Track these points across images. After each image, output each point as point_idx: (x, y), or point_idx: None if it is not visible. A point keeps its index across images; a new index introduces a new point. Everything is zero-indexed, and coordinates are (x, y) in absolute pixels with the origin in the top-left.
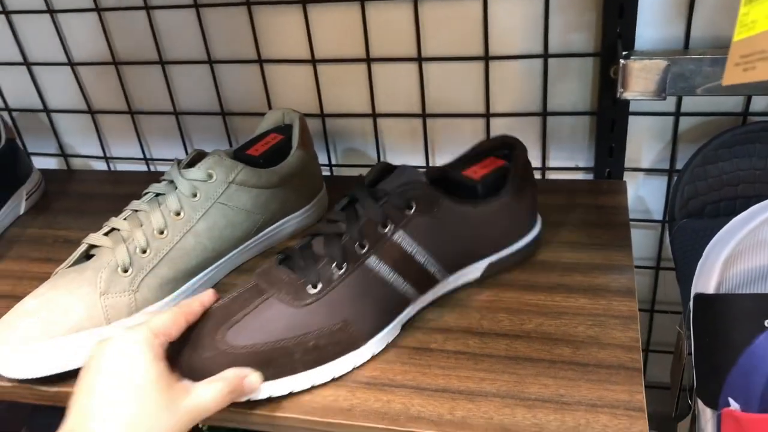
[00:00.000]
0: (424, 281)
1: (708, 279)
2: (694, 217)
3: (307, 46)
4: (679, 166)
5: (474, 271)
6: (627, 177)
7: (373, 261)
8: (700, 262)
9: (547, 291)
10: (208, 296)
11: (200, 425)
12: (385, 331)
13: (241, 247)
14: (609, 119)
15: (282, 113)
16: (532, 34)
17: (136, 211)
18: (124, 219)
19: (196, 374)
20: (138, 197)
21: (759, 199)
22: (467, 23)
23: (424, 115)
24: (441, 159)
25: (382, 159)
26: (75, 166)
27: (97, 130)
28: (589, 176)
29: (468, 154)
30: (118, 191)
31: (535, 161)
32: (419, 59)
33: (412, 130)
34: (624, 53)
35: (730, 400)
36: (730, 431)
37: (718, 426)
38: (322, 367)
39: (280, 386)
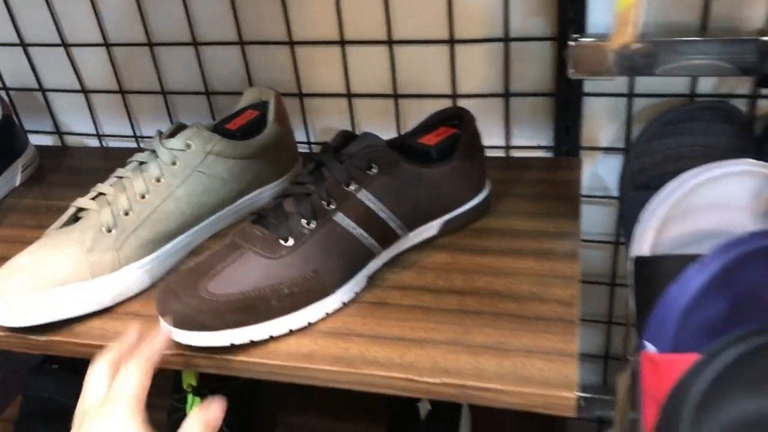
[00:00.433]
0: (386, 236)
1: (643, 242)
2: (641, 189)
3: (285, 29)
4: None
5: (431, 228)
6: (586, 155)
7: (339, 217)
8: (637, 226)
9: (499, 254)
10: (163, 337)
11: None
12: (353, 281)
13: (218, 214)
14: (565, 100)
15: (259, 91)
16: (495, 19)
17: (121, 177)
18: (110, 185)
19: (182, 321)
20: None
21: None
22: (434, 8)
23: (395, 96)
24: None
25: None
26: (69, 144)
27: (90, 109)
28: (549, 155)
29: (423, 124)
30: (108, 165)
31: (499, 140)
32: (389, 42)
33: (384, 109)
34: (574, 36)
35: (647, 344)
36: (648, 373)
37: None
38: (298, 313)
39: (260, 331)
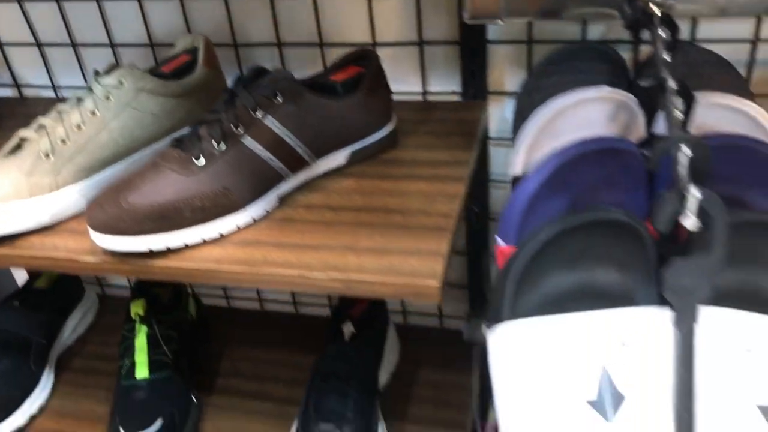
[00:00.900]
0: (294, 162)
1: (517, 163)
2: None
3: None
4: None
5: (339, 157)
6: (494, 100)
7: (248, 141)
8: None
9: (398, 179)
10: None
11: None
12: (264, 200)
13: (151, 147)
14: (469, 47)
15: (192, 38)
16: None
17: (60, 112)
18: (50, 118)
19: (105, 227)
20: None
21: None
22: None
23: (321, 45)
24: None
25: None
26: (27, 95)
27: (45, 63)
28: (460, 99)
29: (334, 64)
30: None
31: (417, 87)
32: None
33: (312, 57)
34: None
35: (498, 239)
36: (500, 264)
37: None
38: (210, 224)
39: (176, 238)
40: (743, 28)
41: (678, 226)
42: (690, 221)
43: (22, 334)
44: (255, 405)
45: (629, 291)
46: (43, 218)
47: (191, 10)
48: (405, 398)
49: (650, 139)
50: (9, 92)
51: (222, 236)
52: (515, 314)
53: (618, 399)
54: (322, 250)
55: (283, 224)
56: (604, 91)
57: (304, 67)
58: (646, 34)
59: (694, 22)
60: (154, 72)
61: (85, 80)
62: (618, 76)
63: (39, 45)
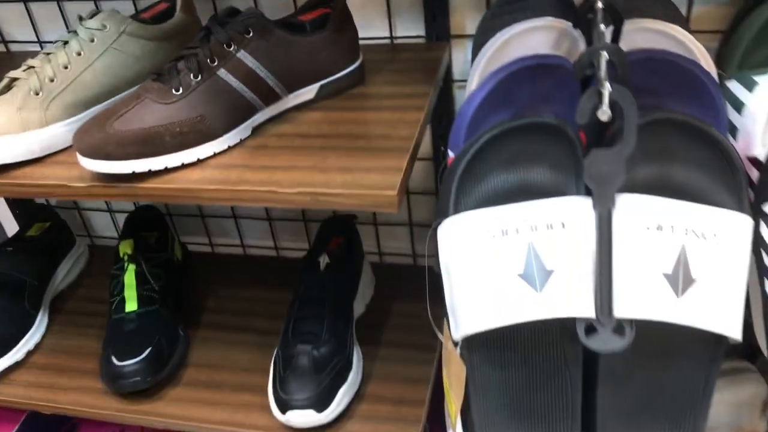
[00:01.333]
0: (267, 94)
1: (470, 91)
2: None
3: None
4: None
5: (309, 91)
6: (456, 43)
7: (222, 73)
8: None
9: (364, 110)
10: None
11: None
12: (239, 129)
13: (133, 88)
14: None
15: None
16: None
17: (48, 54)
18: (38, 59)
19: (92, 151)
20: None
21: None
22: None
23: None
24: None
25: None
26: (13, 51)
27: (31, 19)
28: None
29: (303, 6)
30: None
31: (384, 32)
32: None
33: (285, 5)
34: None
35: (449, 152)
36: None
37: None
38: (189, 150)
39: (157, 162)
40: None
41: (604, 128)
42: (605, 114)
43: (17, 276)
44: (239, 336)
45: (560, 188)
46: (34, 150)
47: None
48: (379, 326)
49: None
50: None
51: (200, 161)
52: (458, 211)
53: (545, 273)
54: (291, 170)
55: (256, 150)
56: (548, 21)
57: (277, 13)
58: None
59: None
60: (135, 18)
61: None
62: (565, 12)
63: (24, 0)
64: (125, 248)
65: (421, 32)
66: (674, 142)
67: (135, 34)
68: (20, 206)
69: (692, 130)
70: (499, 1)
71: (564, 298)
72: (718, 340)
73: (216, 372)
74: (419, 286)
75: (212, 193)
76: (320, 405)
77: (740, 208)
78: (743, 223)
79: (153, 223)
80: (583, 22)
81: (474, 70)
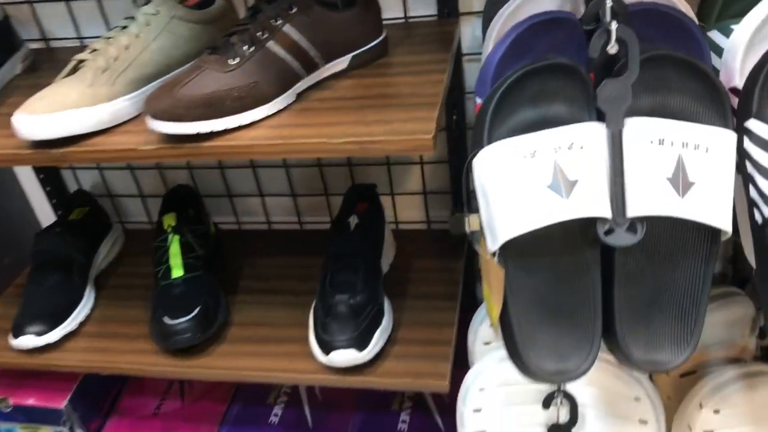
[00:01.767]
0: (308, 63)
1: (488, 48)
2: None
3: None
4: None
5: (344, 61)
6: (465, 20)
7: (271, 44)
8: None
9: (391, 76)
10: None
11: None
12: (286, 95)
13: (185, 66)
14: None
15: None
16: None
17: (108, 38)
18: (101, 43)
19: (163, 114)
20: None
21: None
22: None
23: None
24: None
25: None
26: (54, 47)
27: (72, 17)
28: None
29: None
30: None
31: (399, 13)
32: None
33: None
34: None
35: (477, 99)
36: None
37: None
38: (245, 113)
39: (219, 124)
40: None
41: (608, 70)
42: (614, 48)
43: (65, 254)
44: (275, 298)
45: (576, 118)
46: (103, 122)
47: None
48: (403, 282)
49: None
50: (37, 46)
51: (254, 122)
52: (491, 142)
53: (570, 183)
54: (337, 125)
55: (302, 112)
56: None
57: None
58: None
59: None
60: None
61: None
62: None
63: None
64: (169, 221)
65: (433, 11)
66: (670, 75)
67: (184, 18)
68: (59, 195)
69: (684, 65)
70: None
71: (586, 202)
72: (714, 239)
73: (257, 329)
74: (435, 248)
75: (270, 148)
76: (360, 344)
77: (726, 126)
78: (728, 137)
79: (189, 201)
80: None
81: (490, 33)
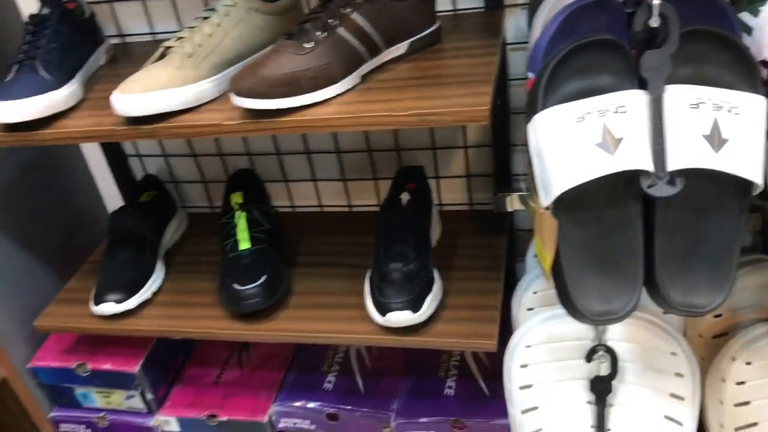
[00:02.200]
0: (372, 48)
1: (535, 32)
2: None
3: None
4: None
5: (403, 46)
6: (510, 12)
7: (341, 30)
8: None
9: (446, 59)
10: None
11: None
12: (352, 76)
13: (260, 52)
14: None
15: None
16: None
17: (192, 27)
18: (185, 32)
19: (248, 92)
20: None
21: None
22: None
23: None
24: None
25: None
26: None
27: (147, 14)
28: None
29: None
30: None
31: (448, 5)
32: None
33: None
34: None
35: (529, 74)
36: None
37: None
38: (318, 92)
39: (296, 101)
40: None
41: (651, 39)
42: (656, 21)
43: (138, 231)
44: (332, 270)
45: (619, 88)
46: (189, 101)
47: None
48: (449, 256)
49: None
50: (114, 42)
51: (326, 100)
52: (545, 108)
53: (616, 141)
54: (401, 101)
55: (367, 91)
56: None
57: None
58: None
59: None
60: None
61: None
62: None
63: None
64: (236, 198)
65: (480, 3)
66: (705, 48)
67: (258, 10)
68: (126, 181)
69: (719, 38)
70: None
71: (631, 157)
72: (745, 193)
73: (317, 296)
74: (479, 227)
75: (341, 121)
76: (414, 307)
77: (756, 92)
78: (758, 101)
79: (250, 183)
80: None
81: (538, 17)
